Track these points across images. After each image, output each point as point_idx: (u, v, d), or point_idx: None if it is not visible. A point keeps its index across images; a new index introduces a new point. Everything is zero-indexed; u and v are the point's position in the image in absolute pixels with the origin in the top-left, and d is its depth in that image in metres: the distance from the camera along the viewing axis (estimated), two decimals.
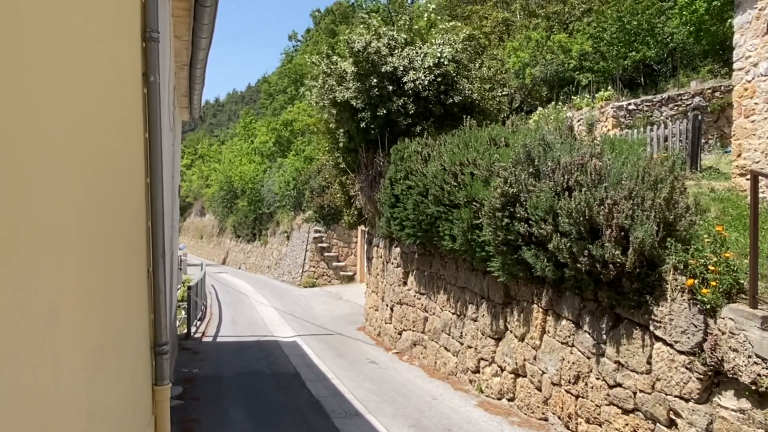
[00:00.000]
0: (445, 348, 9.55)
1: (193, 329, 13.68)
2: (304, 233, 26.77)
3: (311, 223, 26.37)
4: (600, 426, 5.98)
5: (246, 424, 7.17)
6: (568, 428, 6.51)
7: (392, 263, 12.10)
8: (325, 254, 25.72)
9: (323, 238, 25.95)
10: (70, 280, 2.23)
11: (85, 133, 2.49)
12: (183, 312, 13.90)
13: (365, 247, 17.22)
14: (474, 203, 7.65)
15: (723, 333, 4.58)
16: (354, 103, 11.98)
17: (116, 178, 3.18)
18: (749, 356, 4.33)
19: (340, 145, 13.55)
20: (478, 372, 8.48)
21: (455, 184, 8.27)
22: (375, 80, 11.75)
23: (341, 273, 25.53)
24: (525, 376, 7.37)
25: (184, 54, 7.81)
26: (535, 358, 7.11)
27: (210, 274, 25.01)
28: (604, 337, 5.90)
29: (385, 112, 11.77)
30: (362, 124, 12.08)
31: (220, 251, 40.12)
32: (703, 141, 11.61)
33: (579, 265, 5.74)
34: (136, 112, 3.82)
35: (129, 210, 3.52)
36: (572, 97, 18.82)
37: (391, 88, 11.83)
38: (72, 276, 2.26)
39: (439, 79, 11.90)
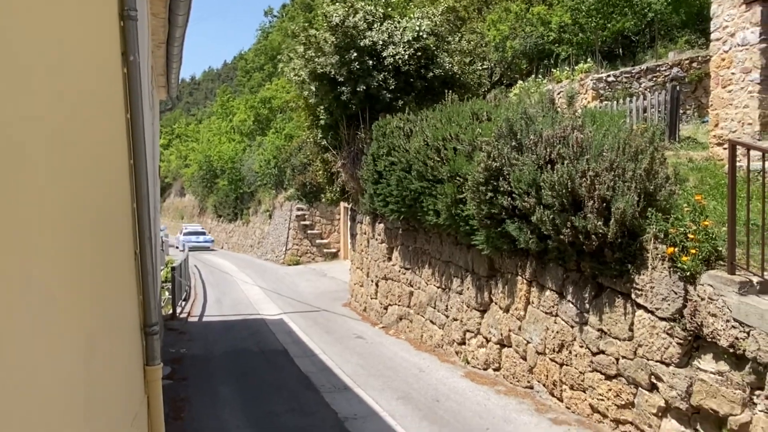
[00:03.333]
0: (431, 321, 9.68)
1: (178, 310, 13.66)
2: (286, 211, 26.69)
3: (293, 201, 26.29)
4: (584, 392, 6.14)
5: (236, 401, 7.24)
6: (552, 395, 6.68)
7: (376, 239, 12.16)
8: (308, 232, 25.72)
9: (306, 216, 25.92)
10: (61, 264, 2.23)
11: (67, 116, 2.46)
12: (167, 293, 13.86)
13: (348, 223, 17.25)
14: (457, 178, 7.70)
15: (702, 299, 4.72)
16: (334, 76, 11.87)
17: (101, 160, 3.15)
18: (727, 321, 4.47)
19: (321, 121, 13.45)
20: (464, 344, 8.62)
21: (438, 159, 8.30)
22: (354, 54, 11.65)
23: (325, 250, 25.57)
24: (510, 347, 7.52)
25: (160, 32, 7.65)
26: (519, 328, 7.25)
27: (192, 255, 24.88)
28: (587, 306, 6.04)
29: (365, 87, 11.70)
30: (342, 98, 12.00)
31: None
32: (681, 111, 11.76)
33: (562, 237, 5.84)
34: (117, 93, 3.76)
35: (114, 192, 3.49)
36: (552, 69, 18.84)
37: (371, 62, 11.74)
38: (63, 260, 2.26)
39: (419, 53, 11.84)
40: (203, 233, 34.47)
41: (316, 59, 12.08)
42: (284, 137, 31.46)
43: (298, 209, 25.98)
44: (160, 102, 13.55)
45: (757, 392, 4.26)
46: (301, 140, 24.29)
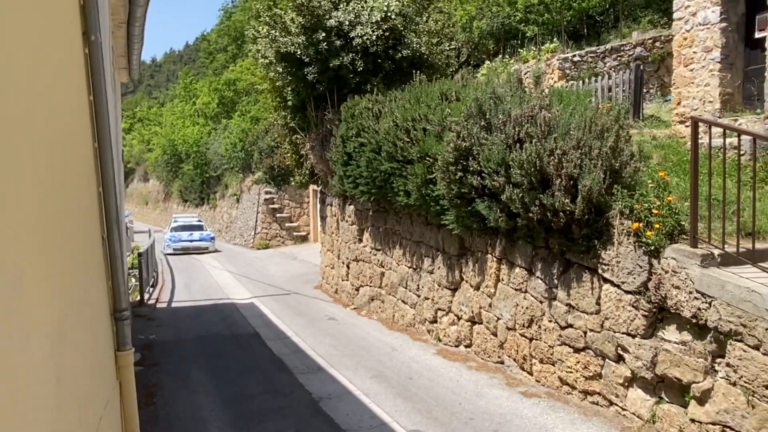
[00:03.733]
0: (403, 301, 9.75)
1: (146, 296, 13.46)
2: (254, 195, 26.42)
3: (261, 184, 26.03)
4: (553, 365, 6.30)
5: (209, 385, 7.20)
6: (523, 369, 6.83)
7: (347, 221, 12.15)
8: (277, 215, 25.54)
9: (274, 199, 25.72)
10: (29, 249, 2.18)
11: (29, 98, 2.38)
12: (134, 279, 13.64)
13: (318, 206, 17.19)
14: (427, 158, 7.72)
15: (666, 272, 4.86)
16: (300, 56, 11.74)
17: (65, 144, 3.06)
18: (690, 292, 4.62)
19: (288, 103, 13.30)
20: (436, 322, 8.72)
21: (408, 140, 8.30)
22: (323, 35, 11.52)
23: (294, 233, 25.46)
24: (481, 323, 7.64)
25: (121, 11, 7.42)
26: (490, 305, 7.37)
27: (159, 241, 24.49)
28: (556, 281, 6.16)
29: (336, 64, 11.59)
30: (309, 77, 11.88)
31: (167, 217, 39.07)
32: (644, 90, 11.97)
33: (531, 215, 5.93)
34: (79, 74, 3.65)
35: (80, 176, 3.41)
36: (519, 50, 18.94)
37: (338, 43, 11.62)
38: (31, 245, 2.21)
39: (387, 34, 11.76)
40: (200, 227, 26.10)
41: (281, 39, 11.91)
42: (250, 120, 31.02)
43: (267, 192, 25.74)
44: (120, 85, 13.20)
45: (718, 360, 4.43)
46: (269, 123, 24.01)
